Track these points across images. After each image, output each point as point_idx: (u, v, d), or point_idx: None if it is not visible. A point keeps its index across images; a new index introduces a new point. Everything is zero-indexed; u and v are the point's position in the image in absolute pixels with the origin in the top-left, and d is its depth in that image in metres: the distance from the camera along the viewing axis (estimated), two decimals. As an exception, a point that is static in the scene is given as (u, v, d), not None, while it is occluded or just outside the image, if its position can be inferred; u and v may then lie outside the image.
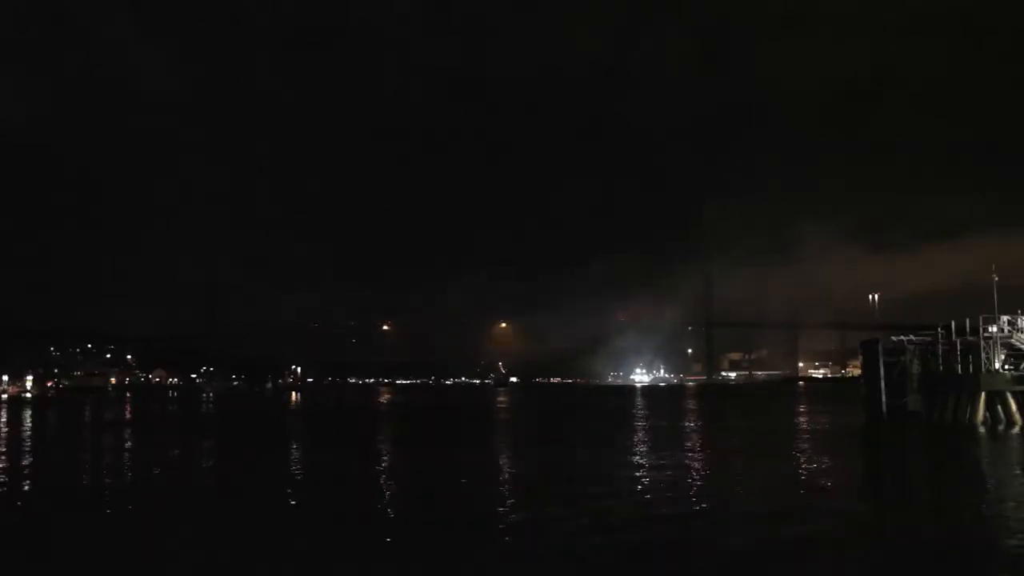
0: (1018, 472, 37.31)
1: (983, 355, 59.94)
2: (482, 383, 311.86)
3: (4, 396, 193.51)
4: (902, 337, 66.55)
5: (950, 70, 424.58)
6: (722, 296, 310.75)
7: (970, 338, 61.17)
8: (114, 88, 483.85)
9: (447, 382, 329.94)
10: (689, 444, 51.06)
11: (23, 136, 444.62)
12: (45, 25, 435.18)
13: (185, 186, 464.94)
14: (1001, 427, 56.85)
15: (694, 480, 34.54)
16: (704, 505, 28.22)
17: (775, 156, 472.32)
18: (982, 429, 56.29)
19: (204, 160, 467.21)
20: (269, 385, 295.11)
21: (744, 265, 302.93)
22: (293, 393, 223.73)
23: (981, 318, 61.09)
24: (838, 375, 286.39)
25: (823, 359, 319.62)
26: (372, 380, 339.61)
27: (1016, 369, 59.90)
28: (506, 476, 37.83)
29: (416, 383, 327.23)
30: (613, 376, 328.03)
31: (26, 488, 34.93)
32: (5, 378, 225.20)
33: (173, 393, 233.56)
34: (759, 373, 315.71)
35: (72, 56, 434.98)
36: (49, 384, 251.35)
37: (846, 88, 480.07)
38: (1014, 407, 58.19)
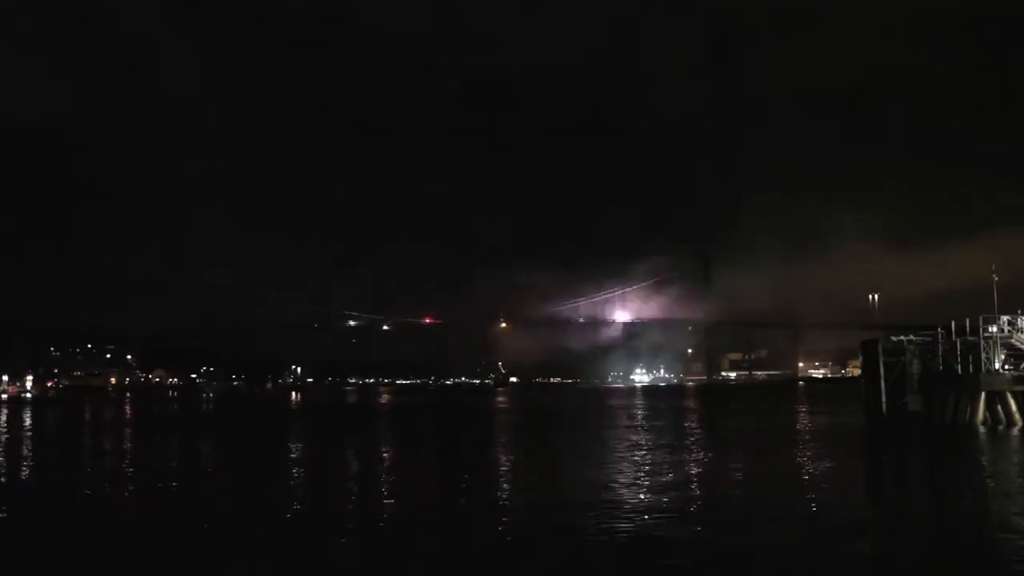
0: (1019, 472, 37.24)
1: (983, 355, 59.90)
2: (482, 383, 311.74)
3: (4, 396, 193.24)
4: (902, 337, 66.54)
5: (956, 67, 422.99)
6: (722, 296, 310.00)
7: (970, 338, 61.13)
8: (114, 89, 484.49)
9: (447, 382, 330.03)
10: (689, 444, 50.97)
11: (22, 136, 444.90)
12: (39, 20, 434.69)
13: (186, 186, 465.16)
14: (1001, 427, 56.78)
15: (692, 480, 34.47)
16: (701, 505, 28.19)
17: (777, 155, 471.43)
18: (982, 429, 56.23)
19: (205, 160, 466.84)
20: (269, 385, 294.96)
21: (744, 265, 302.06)
22: (293, 393, 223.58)
23: (981, 318, 61.06)
24: (838, 375, 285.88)
25: (823, 359, 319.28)
26: (372, 380, 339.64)
27: (1016, 369, 59.86)
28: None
29: (416, 383, 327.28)
30: (613, 376, 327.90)
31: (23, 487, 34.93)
32: (5, 378, 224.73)
33: (173, 393, 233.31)
34: (759, 373, 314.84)
35: (71, 57, 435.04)
36: (49, 384, 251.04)
37: (850, 86, 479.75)
38: (1014, 407, 58.11)
